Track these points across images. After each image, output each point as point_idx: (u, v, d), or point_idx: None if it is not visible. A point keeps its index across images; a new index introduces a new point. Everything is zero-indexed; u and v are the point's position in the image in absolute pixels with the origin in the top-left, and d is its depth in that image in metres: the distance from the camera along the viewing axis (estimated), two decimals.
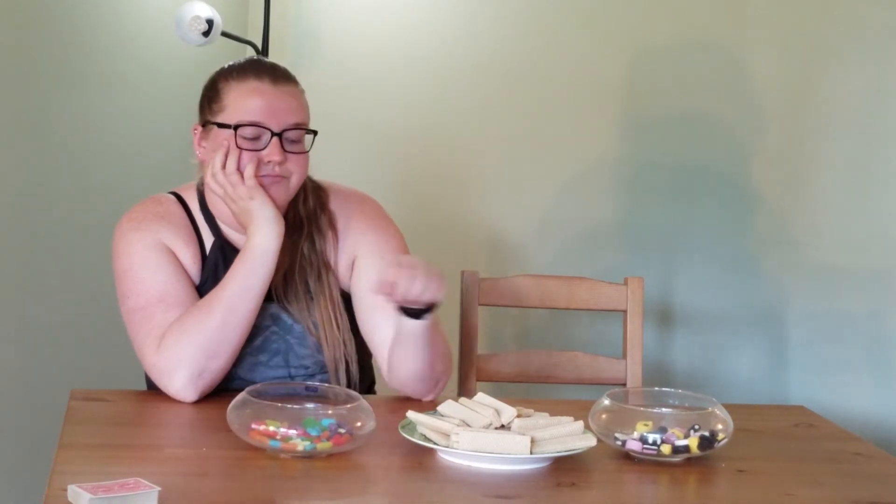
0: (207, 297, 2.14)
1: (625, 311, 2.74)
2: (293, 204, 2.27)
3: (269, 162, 2.16)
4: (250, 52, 3.41)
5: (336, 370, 2.23)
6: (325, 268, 2.26)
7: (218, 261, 2.23)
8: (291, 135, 2.19)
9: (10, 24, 3.09)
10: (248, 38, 3.40)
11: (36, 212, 3.20)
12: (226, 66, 2.27)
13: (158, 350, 2.11)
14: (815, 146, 3.60)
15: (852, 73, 3.58)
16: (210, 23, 3.16)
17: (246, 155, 2.16)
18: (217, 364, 2.11)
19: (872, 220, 3.60)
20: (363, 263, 2.27)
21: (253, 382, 2.01)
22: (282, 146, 2.17)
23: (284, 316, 2.23)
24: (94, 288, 3.31)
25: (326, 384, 2.01)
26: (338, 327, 2.24)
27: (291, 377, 2.21)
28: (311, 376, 2.23)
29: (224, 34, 3.22)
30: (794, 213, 3.62)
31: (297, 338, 2.23)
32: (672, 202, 3.62)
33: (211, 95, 2.24)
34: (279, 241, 2.14)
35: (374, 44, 3.55)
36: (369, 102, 3.55)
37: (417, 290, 2.02)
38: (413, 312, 2.09)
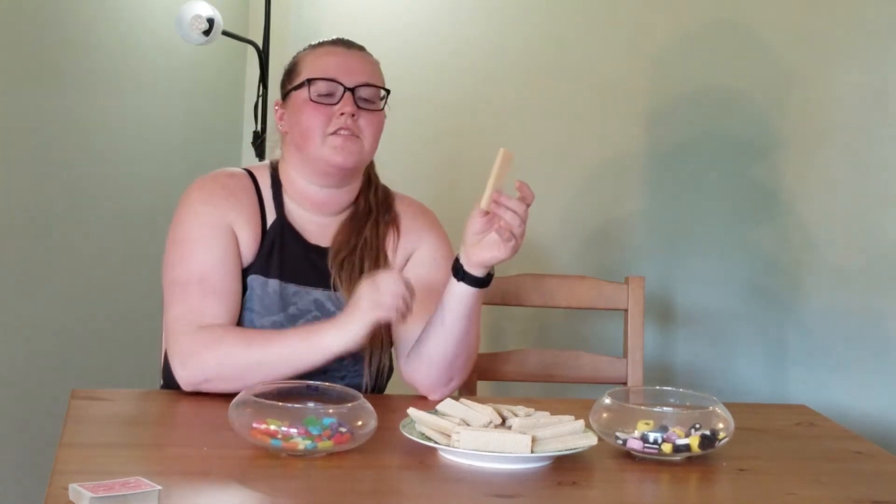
0: (260, 334, 2.13)
1: (626, 310, 2.74)
2: (364, 191, 2.32)
3: (341, 114, 2.20)
4: (251, 52, 3.41)
5: (371, 355, 2.24)
6: (383, 256, 2.30)
7: (275, 240, 2.24)
8: (364, 92, 2.24)
9: (11, 22, 3.09)
10: (249, 37, 3.40)
11: (37, 211, 3.20)
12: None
13: (192, 337, 2.11)
14: (818, 145, 3.60)
15: (855, 71, 3.57)
16: (211, 22, 3.16)
17: (319, 109, 2.20)
18: (225, 386, 2.10)
19: (875, 220, 3.60)
20: (415, 263, 2.32)
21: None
22: (355, 102, 2.22)
23: (329, 304, 2.24)
24: (96, 287, 3.31)
25: (327, 384, 2.01)
26: None
27: (324, 370, 2.22)
28: (345, 367, 2.23)
29: (225, 33, 3.22)
30: (797, 212, 3.62)
31: None
32: (674, 201, 3.62)
33: (289, 70, 2.31)
34: (344, 349, 2.11)
35: (376, 43, 3.52)
36: None
37: (517, 222, 2.06)
38: (471, 279, 2.13)
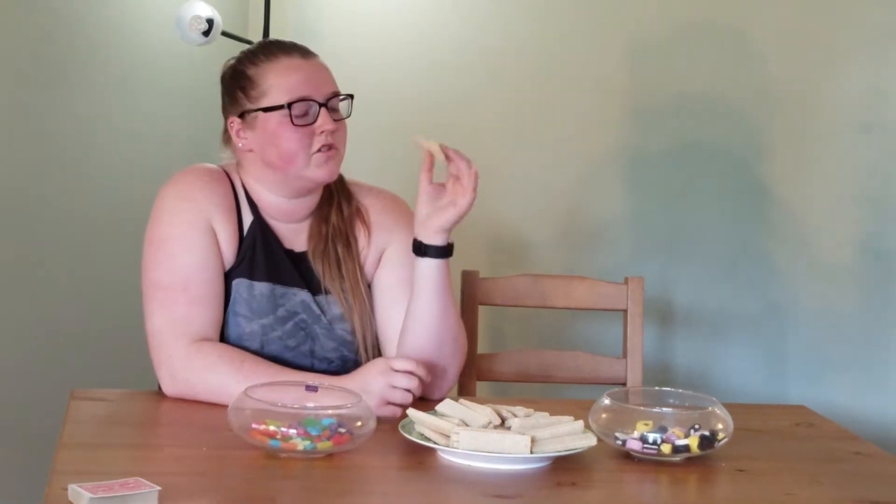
0: (255, 369, 2.10)
1: (625, 311, 2.74)
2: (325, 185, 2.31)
3: (322, 133, 2.18)
4: None
5: (364, 338, 2.25)
6: (353, 239, 2.30)
7: (256, 240, 2.23)
8: (333, 103, 2.21)
9: (11, 23, 3.10)
10: (249, 37, 3.40)
11: (37, 211, 3.20)
12: (243, 53, 2.28)
13: (184, 355, 2.11)
14: (815, 145, 3.60)
15: (853, 71, 3.58)
16: (210, 22, 3.16)
17: (301, 131, 2.17)
18: (202, 399, 2.12)
19: (873, 219, 3.60)
20: (389, 259, 2.31)
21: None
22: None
23: (314, 306, 2.24)
24: (95, 288, 3.31)
25: (327, 384, 2.01)
26: (363, 291, 2.27)
27: (313, 367, 2.22)
28: (333, 372, 2.23)
29: (224, 34, 3.22)
30: (795, 212, 3.62)
31: (324, 328, 2.24)
32: (673, 201, 3.62)
33: (243, 84, 2.23)
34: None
35: (375, 42, 3.55)
36: (370, 101, 3.53)
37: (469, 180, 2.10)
38: (434, 250, 2.14)
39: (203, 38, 3.17)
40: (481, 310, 2.73)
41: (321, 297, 2.25)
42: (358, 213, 2.33)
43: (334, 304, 2.26)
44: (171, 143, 3.46)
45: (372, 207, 2.34)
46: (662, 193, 3.62)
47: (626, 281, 2.75)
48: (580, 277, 2.79)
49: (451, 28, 3.57)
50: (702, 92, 3.60)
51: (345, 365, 2.24)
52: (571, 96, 3.59)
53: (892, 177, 3.59)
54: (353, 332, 2.25)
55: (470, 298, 2.70)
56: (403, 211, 2.36)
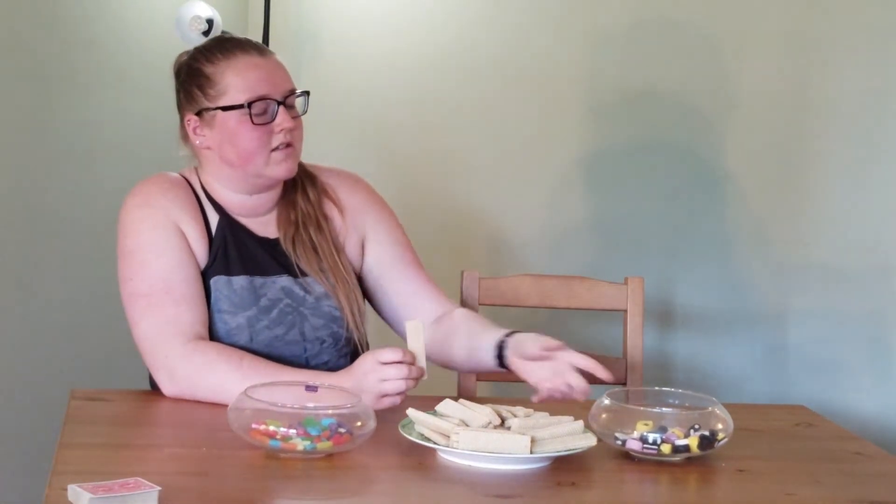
0: (255, 369, 2.09)
1: (625, 311, 2.74)
2: None
3: (281, 131, 2.19)
4: None
5: (352, 313, 2.26)
6: (324, 218, 2.31)
7: (226, 236, 2.24)
8: (290, 101, 2.23)
9: (12, 23, 3.10)
10: (248, 37, 3.39)
11: (36, 211, 3.21)
12: (197, 50, 2.30)
13: (181, 354, 2.10)
14: (815, 145, 3.60)
15: (852, 71, 3.57)
16: (210, 22, 3.15)
17: (260, 130, 2.18)
18: (201, 397, 2.12)
19: (873, 220, 3.60)
20: (374, 241, 2.35)
21: (269, 357, 2.13)
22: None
23: (297, 289, 2.24)
24: (95, 287, 3.31)
25: (327, 384, 2.01)
26: (343, 268, 2.28)
27: (306, 351, 2.22)
28: (326, 351, 2.24)
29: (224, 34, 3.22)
30: (795, 212, 3.62)
31: (310, 308, 2.24)
32: (672, 201, 3.61)
33: (201, 82, 2.25)
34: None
35: (373, 43, 3.54)
36: (369, 102, 3.55)
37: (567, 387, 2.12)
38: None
39: (203, 38, 3.16)
40: (481, 310, 2.73)
41: (303, 278, 2.26)
42: (325, 192, 2.35)
43: (317, 284, 2.26)
44: (171, 143, 3.45)
45: (338, 188, 2.36)
46: (663, 195, 3.61)
47: (626, 281, 2.75)
48: (580, 277, 2.79)
49: (450, 30, 3.56)
50: (702, 95, 3.60)
51: (337, 343, 2.26)
52: (571, 99, 3.58)
53: (891, 176, 3.59)
54: (340, 309, 2.25)
55: (470, 298, 2.70)
56: (367, 189, 2.40)
